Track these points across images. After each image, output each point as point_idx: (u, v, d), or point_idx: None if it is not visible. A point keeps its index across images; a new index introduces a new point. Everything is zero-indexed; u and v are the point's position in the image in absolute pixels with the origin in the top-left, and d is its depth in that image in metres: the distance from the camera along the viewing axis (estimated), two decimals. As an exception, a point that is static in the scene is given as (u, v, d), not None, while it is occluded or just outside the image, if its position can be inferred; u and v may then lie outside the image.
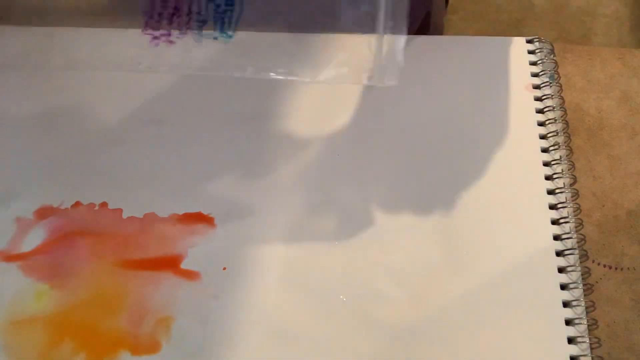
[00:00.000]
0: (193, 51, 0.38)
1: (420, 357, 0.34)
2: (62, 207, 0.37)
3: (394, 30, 0.35)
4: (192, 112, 0.40)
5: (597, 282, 0.36)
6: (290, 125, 0.40)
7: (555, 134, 0.40)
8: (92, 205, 0.37)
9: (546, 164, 0.39)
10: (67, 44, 0.39)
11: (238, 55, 0.38)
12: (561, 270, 0.36)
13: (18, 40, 0.39)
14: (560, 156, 0.39)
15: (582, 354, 0.34)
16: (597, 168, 0.40)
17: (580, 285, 0.36)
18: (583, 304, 0.35)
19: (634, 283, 0.37)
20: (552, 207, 0.38)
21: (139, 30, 0.38)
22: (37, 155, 0.38)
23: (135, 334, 0.34)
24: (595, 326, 0.35)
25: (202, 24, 0.37)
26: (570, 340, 0.35)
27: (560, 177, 0.38)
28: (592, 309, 0.36)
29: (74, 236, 0.36)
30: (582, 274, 0.36)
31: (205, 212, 0.37)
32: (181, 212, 0.37)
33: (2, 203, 0.37)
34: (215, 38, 0.38)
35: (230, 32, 0.37)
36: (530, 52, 0.42)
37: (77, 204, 0.37)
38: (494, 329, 0.35)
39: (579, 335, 0.35)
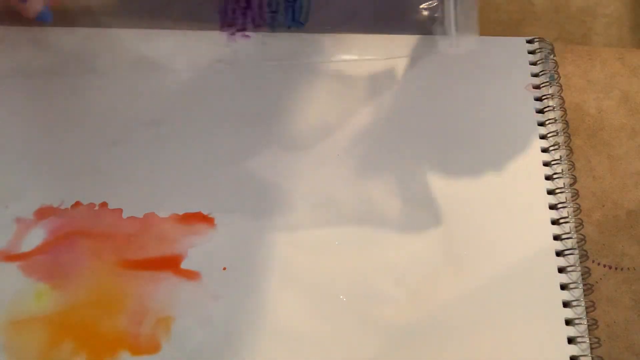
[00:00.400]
0: (268, 43, 0.40)
1: (420, 357, 0.34)
2: (62, 207, 0.37)
3: (464, 32, 0.37)
4: (192, 111, 0.40)
5: (597, 282, 0.36)
6: (290, 126, 0.40)
7: (555, 134, 0.40)
8: (92, 205, 0.37)
9: (546, 164, 0.39)
10: (144, 45, 0.40)
11: (311, 43, 0.40)
12: (561, 270, 0.36)
13: (88, 42, 0.40)
14: (560, 156, 0.39)
15: (582, 354, 0.34)
16: (597, 168, 0.40)
17: (580, 285, 0.36)
18: (583, 304, 0.35)
19: (634, 283, 0.37)
20: (552, 207, 0.38)
21: (216, 29, 0.40)
22: (37, 155, 0.38)
23: (135, 334, 0.34)
24: (595, 326, 0.35)
25: (274, 14, 0.39)
26: (570, 340, 0.35)
27: (560, 177, 0.38)
28: (592, 309, 0.36)
29: (74, 236, 0.36)
30: (582, 274, 0.36)
31: (205, 212, 0.37)
32: (181, 212, 0.37)
33: (2, 203, 0.37)
34: (289, 27, 0.40)
35: (301, 21, 0.39)
36: (530, 52, 0.42)
37: (77, 204, 0.37)
38: (494, 329, 0.35)
39: (579, 335, 0.35)
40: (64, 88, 0.40)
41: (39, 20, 0.35)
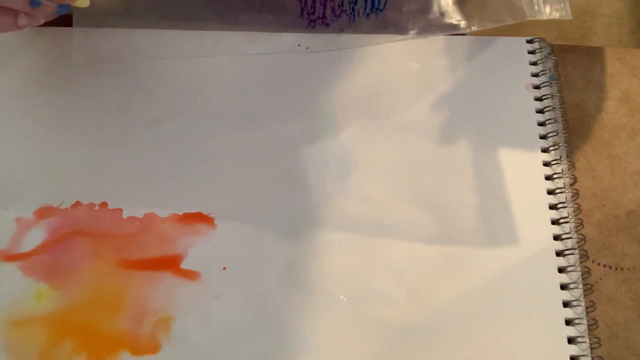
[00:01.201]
0: (347, 30, 0.40)
1: (420, 357, 0.34)
2: (62, 207, 0.37)
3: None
4: (193, 112, 0.40)
5: (597, 282, 0.36)
6: (288, 126, 0.40)
7: (555, 134, 0.40)
8: (92, 205, 0.37)
9: (546, 164, 0.39)
10: (220, 35, 0.41)
11: (390, 25, 0.40)
12: (561, 270, 0.36)
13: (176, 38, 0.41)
14: (560, 156, 0.39)
15: (582, 354, 0.34)
16: (597, 168, 0.40)
17: (580, 285, 0.36)
18: (583, 304, 0.35)
19: (634, 283, 0.37)
20: (552, 207, 0.38)
21: (297, 15, 0.40)
22: (37, 155, 0.38)
23: (135, 334, 0.34)
24: (595, 326, 0.35)
25: (354, 3, 0.40)
26: (570, 340, 0.35)
27: (560, 177, 0.38)
28: (592, 309, 0.36)
29: (74, 236, 0.36)
30: (582, 274, 0.36)
31: (205, 212, 0.37)
32: (181, 212, 0.37)
33: (2, 203, 0.36)
34: (367, 15, 0.40)
35: (380, 7, 0.40)
36: (530, 52, 0.42)
37: (77, 204, 0.37)
38: (494, 329, 0.35)
39: (579, 335, 0.35)
40: (66, 89, 0.40)
41: (60, 14, 0.35)
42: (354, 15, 0.40)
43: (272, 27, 0.41)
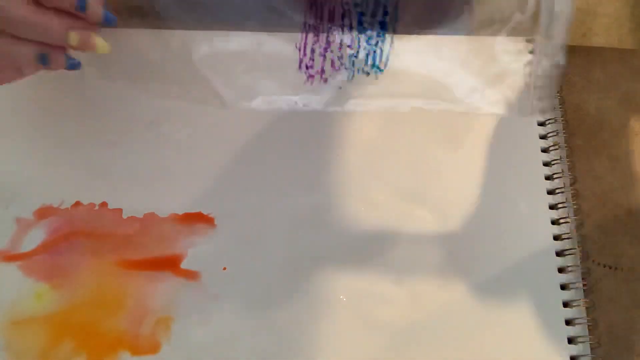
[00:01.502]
0: (345, 88, 0.39)
1: (420, 357, 0.34)
2: (62, 207, 0.37)
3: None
4: (193, 112, 0.40)
5: (597, 282, 0.36)
6: (288, 128, 0.40)
7: (555, 134, 0.40)
8: (92, 205, 0.37)
9: (546, 164, 0.39)
10: (225, 80, 0.40)
11: (389, 89, 0.39)
12: (561, 270, 0.36)
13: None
14: (560, 156, 0.39)
15: (582, 354, 0.34)
16: (597, 168, 0.40)
17: (580, 285, 0.36)
18: (583, 304, 0.35)
19: (634, 283, 0.37)
20: (552, 207, 0.38)
21: (295, 69, 0.39)
22: (37, 155, 0.38)
23: (135, 334, 0.34)
24: (595, 326, 0.35)
25: (354, 58, 0.39)
26: (571, 340, 0.35)
27: (560, 177, 0.38)
28: (592, 309, 0.36)
29: (74, 236, 0.36)
30: (582, 274, 0.36)
31: (205, 212, 0.37)
32: (181, 212, 0.37)
33: (2, 203, 0.37)
34: (367, 73, 0.39)
35: (381, 67, 0.39)
36: (530, 52, 0.42)
37: (77, 204, 0.37)
38: (494, 329, 0.35)
39: (579, 335, 0.35)
40: (65, 89, 0.40)
41: (71, 69, 0.34)
42: (353, 72, 0.39)
43: (270, 80, 0.40)
